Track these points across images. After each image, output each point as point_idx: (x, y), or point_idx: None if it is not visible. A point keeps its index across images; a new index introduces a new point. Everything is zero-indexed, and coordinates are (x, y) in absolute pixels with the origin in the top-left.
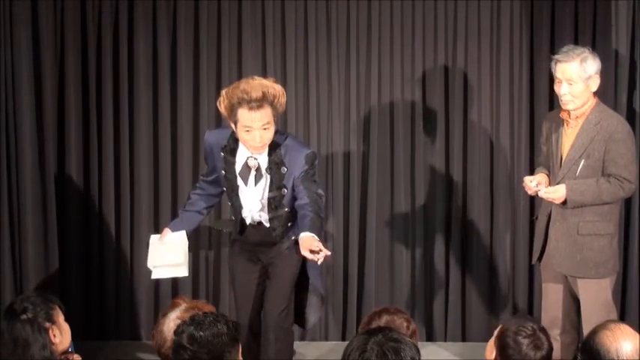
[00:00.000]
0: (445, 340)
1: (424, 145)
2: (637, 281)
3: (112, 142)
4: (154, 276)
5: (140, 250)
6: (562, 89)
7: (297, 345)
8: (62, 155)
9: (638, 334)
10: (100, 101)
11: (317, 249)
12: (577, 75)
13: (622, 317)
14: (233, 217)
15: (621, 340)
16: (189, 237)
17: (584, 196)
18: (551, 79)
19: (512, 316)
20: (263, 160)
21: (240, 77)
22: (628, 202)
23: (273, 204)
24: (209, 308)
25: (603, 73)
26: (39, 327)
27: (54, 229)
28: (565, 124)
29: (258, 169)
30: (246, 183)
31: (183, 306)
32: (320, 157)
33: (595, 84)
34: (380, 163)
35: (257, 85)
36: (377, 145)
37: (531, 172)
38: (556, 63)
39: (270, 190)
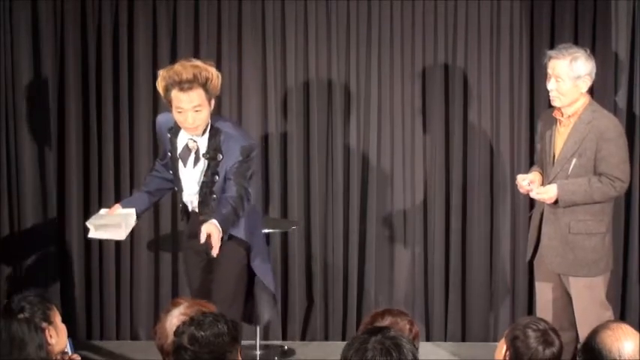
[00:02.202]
0: (445, 340)
1: (424, 144)
2: (637, 281)
3: (112, 142)
4: (90, 235)
5: (140, 250)
6: (550, 85)
7: (297, 345)
8: (62, 155)
9: (638, 334)
10: (100, 101)
11: (213, 242)
12: (565, 73)
13: (622, 317)
14: (180, 205)
15: (623, 339)
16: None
17: (575, 196)
18: None
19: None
20: (203, 144)
21: (240, 77)
22: (628, 202)
23: (204, 189)
24: (212, 308)
25: (602, 73)
26: (35, 327)
27: (54, 229)
28: (558, 123)
29: (197, 152)
30: (185, 164)
31: (186, 304)
32: (320, 157)
33: (585, 85)
34: (380, 162)
35: (189, 66)
36: (377, 145)
37: None
38: (549, 58)
39: (204, 175)
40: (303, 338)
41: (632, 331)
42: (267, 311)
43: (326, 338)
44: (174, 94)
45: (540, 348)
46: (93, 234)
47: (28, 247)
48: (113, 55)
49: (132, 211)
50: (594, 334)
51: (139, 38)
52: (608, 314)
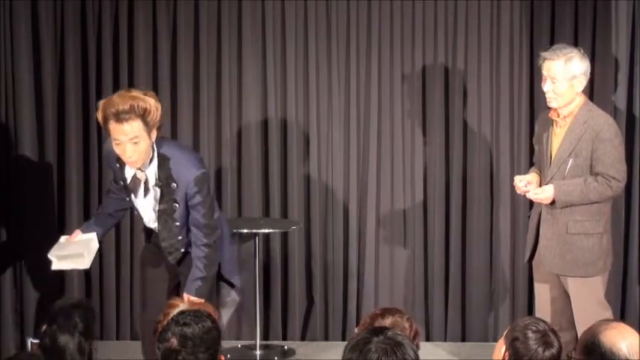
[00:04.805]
0: (445, 340)
1: (424, 144)
2: (637, 281)
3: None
4: (54, 267)
5: (140, 250)
6: (546, 86)
7: (297, 345)
8: (62, 155)
9: (638, 334)
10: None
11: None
12: (561, 74)
13: (622, 317)
14: (143, 227)
15: (623, 338)
16: (103, 239)
17: (571, 196)
18: None
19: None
20: (151, 174)
21: (240, 77)
22: (628, 202)
23: (163, 216)
24: (210, 308)
25: (602, 74)
26: (85, 342)
27: (54, 229)
28: (554, 124)
29: (146, 182)
30: (136, 195)
31: (183, 305)
32: (320, 157)
33: (580, 84)
34: (380, 162)
35: (127, 97)
36: (376, 145)
37: None
38: (543, 60)
39: (160, 203)
40: (303, 338)
41: (631, 331)
42: (226, 314)
43: (326, 338)
44: (112, 125)
45: (540, 349)
46: (56, 265)
47: (29, 249)
48: (113, 55)
49: (93, 236)
50: (594, 333)
51: (139, 38)
52: (607, 314)
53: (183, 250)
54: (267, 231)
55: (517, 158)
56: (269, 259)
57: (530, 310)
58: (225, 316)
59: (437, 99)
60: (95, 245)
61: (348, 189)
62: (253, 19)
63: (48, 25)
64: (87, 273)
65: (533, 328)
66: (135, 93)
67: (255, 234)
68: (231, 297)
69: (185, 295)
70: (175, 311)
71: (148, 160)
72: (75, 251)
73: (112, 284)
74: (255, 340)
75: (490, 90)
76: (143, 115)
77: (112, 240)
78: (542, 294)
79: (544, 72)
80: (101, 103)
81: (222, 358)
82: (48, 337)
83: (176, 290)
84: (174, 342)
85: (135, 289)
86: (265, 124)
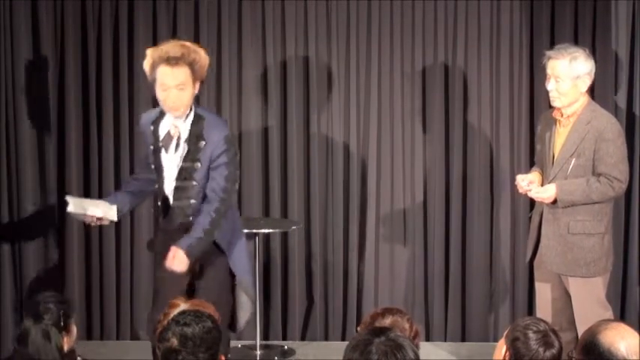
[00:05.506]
0: (445, 340)
1: (424, 144)
2: (637, 281)
3: (112, 141)
4: (69, 209)
5: (140, 250)
6: (550, 85)
7: (297, 345)
8: (62, 155)
9: (637, 334)
10: (100, 101)
11: (169, 265)
12: (565, 73)
13: (622, 317)
14: (159, 203)
15: (622, 338)
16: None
17: (573, 196)
18: None
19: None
20: (185, 130)
21: (240, 77)
22: (628, 202)
23: (183, 174)
24: (210, 308)
25: (602, 74)
26: (56, 333)
27: (54, 230)
28: (557, 124)
29: (178, 138)
30: (167, 150)
31: (184, 305)
32: (320, 157)
33: (584, 84)
34: (380, 162)
35: (178, 45)
36: (376, 145)
37: None
38: (548, 59)
39: (184, 161)
40: (303, 338)
41: (631, 331)
42: (244, 314)
43: (326, 338)
44: (161, 69)
45: (541, 349)
46: (72, 208)
47: (29, 248)
48: (113, 55)
49: (114, 207)
50: (593, 333)
51: (139, 38)
52: (608, 314)
53: (191, 218)
54: (267, 231)
55: (517, 158)
56: (269, 259)
57: (530, 310)
58: (244, 318)
59: (437, 98)
60: (113, 215)
61: (348, 189)
62: (253, 19)
63: (48, 25)
64: (87, 273)
65: (534, 329)
66: (186, 43)
67: (255, 234)
68: (248, 303)
69: (173, 248)
70: (176, 311)
71: (185, 115)
72: (93, 204)
73: (112, 284)
74: (255, 340)
75: (490, 89)
76: (192, 64)
77: (112, 241)
78: (543, 294)
79: (548, 71)
80: (150, 50)
81: (223, 358)
82: (22, 326)
83: (188, 292)
84: (174, 342)
85: (135, 289)
86: (265, 123)
